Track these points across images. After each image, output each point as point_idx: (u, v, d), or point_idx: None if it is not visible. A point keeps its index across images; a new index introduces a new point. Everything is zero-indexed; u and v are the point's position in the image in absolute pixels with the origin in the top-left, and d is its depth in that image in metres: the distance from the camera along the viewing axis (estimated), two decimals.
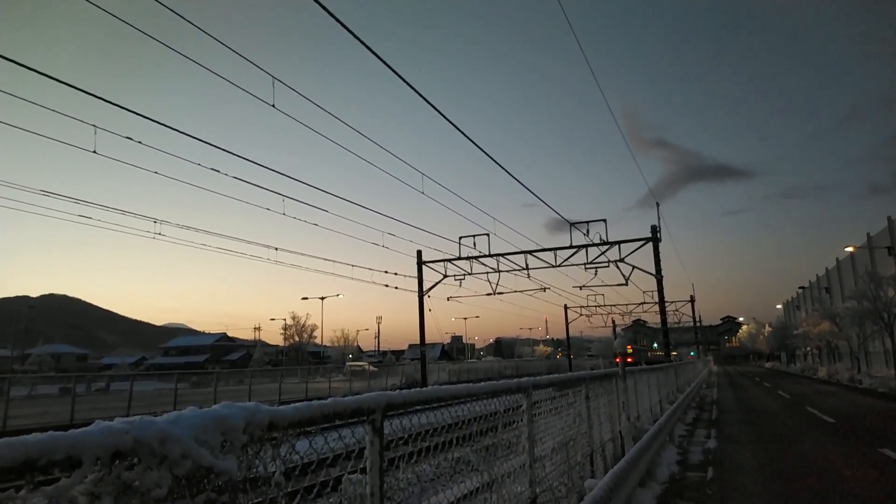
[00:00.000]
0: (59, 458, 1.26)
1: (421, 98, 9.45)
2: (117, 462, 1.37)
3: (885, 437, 12.54)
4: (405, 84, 9.07)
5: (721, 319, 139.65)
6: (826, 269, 55.77)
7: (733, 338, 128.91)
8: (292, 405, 2.01)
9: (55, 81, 9.63)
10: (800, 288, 68.51)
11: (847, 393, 27.43)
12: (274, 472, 1.88)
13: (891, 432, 13.51)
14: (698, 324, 78.28)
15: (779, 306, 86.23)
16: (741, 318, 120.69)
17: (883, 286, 30.02)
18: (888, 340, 31.20)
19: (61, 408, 21.16)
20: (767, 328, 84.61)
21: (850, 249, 40.11)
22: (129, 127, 12.35)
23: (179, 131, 11.99)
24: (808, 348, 59.28)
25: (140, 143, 12.60)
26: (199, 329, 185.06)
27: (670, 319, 53.19)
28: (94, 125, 12.64)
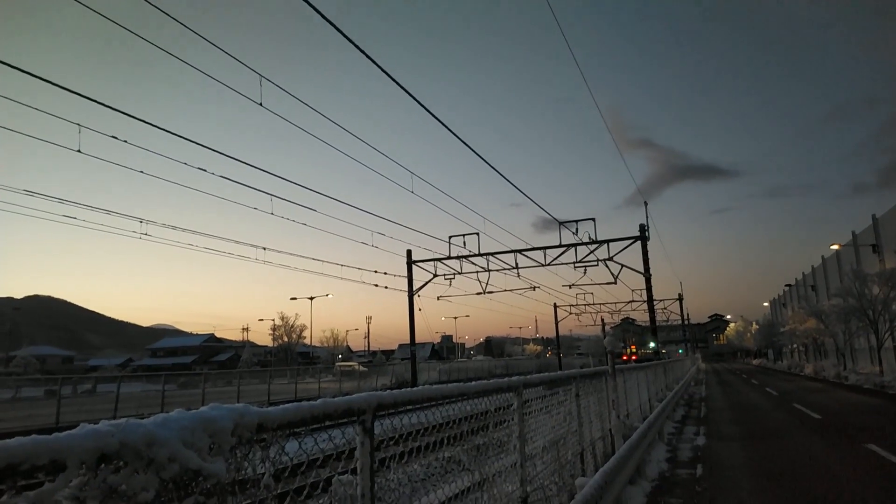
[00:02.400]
0: (43, 463, 1.23)
1: (410, 97, 9.43)
2: (103, 466, 1.34)
3: (870, 433, 12.69)
4: (394, 83, 9.04)
5: (709, 317, 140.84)
6: (812, 266, 56.35)
7: (721, 335, 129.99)
8: (282, 406, 1.99)
9: (38, 80, 9.51)
10: (786, 286, 69.26)
11: (833, 389, 27.74)
12: (263, 474, 1.86)
13: (876, 428, 13.67)
14: (686, 322, 78.89)
15: (766, 304, 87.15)
16: (729, 316, 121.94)
17: (868, 284, 30.39)
18: (873, 337, 31.58)
19: (47, 410, 20.90)
20: (755, 326, 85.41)
21: (835, 247, 40.56)
22: (114, 126, 12.25)
23: (165, 130, 11.89)
24: (795, 345, 59.88)
25: (125, 142, 12.49)
26: (186, 330, 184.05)
27: (659, 317, 53.58)
28: (78, 124, 12.51)
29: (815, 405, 19.68)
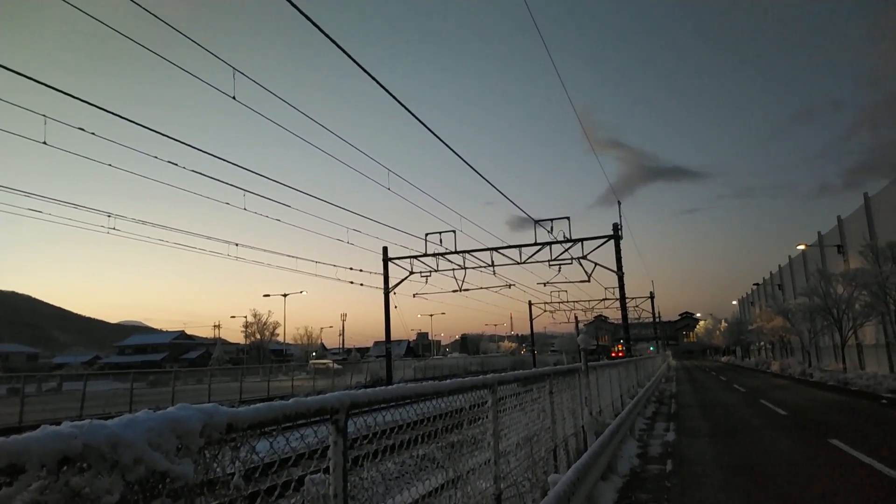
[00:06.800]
0: (1, 466, 1.18)
1: (387, 93, 9.38)
2: (65, 468, 1.30)
3: (834, 429, 13.04)
4: (371, 79, 8.98)
5: (679, 315, 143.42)
6: (779, 266, 57.62)
7: (691, 333, 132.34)
8: (252, 406, 1.95)
9: (2, 68, 9.22)
10: (754, 284, 70.74)
11: (799, 386, 28.44)
12: (233, 475, 1.82)
13: (839, 424, 14.06)
14: (657, 319, 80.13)
15: (734, 302, 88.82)
16: (698, 314, 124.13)
17: (833, 283, 31.18)
18: (837, 335, 32.45)
19: (9, 409, 20.34)
20: (723, 324, 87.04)
21: (801, 247, 41.54)
22: (82, 117, 11.95)
23: (135, 122, 11.64)
24: (762, 343, 61.22)
25: (93, 134, 12.19)
26: (156, 327, 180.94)
27: (631, 315, 54.27)
28: (44, 115, 12.18)
29: (782, 402, 20.15)
